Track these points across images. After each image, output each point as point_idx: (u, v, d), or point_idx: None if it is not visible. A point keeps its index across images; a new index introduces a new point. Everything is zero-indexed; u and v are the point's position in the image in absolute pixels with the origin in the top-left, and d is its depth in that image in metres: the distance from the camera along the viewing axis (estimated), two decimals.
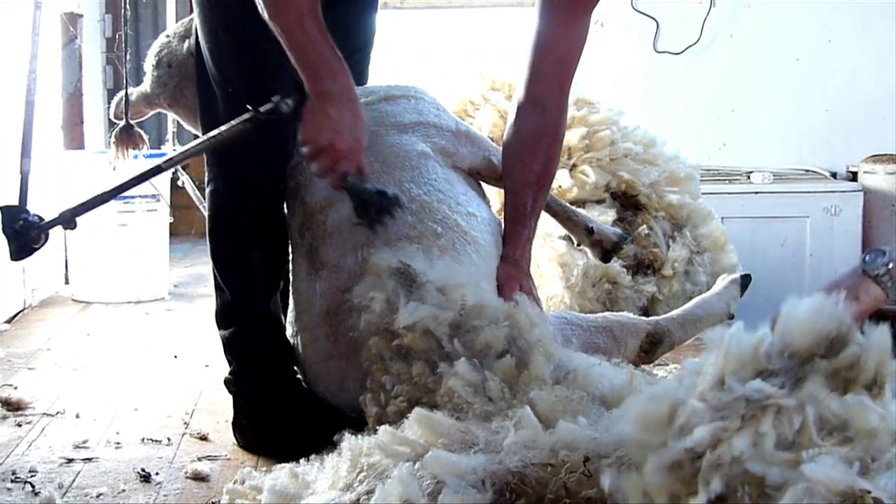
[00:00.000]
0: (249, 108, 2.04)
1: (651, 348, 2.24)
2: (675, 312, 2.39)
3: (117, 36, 2.66)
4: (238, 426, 2.31)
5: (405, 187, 2.10)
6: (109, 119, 5.44)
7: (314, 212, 2.16)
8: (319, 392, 2.12)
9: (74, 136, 4.92)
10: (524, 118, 2.20)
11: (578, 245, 2.55)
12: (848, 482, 1.01)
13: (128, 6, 2.37)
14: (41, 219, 2.15)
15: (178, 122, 4.32)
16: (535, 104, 2.19)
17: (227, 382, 2.35)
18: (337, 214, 2.11)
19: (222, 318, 2.33)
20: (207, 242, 2.35)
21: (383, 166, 2.13)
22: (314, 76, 1.96)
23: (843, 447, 1.08)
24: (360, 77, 2.46)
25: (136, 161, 2.82)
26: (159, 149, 4.37)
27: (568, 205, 2.54)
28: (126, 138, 2.70)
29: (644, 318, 2.37)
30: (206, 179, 2.34)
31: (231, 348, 2.32)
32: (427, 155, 2.15)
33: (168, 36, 2.81)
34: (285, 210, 2.28)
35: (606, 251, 2.51)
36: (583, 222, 2.51)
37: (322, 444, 1.90)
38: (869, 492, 1.00)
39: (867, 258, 1.91)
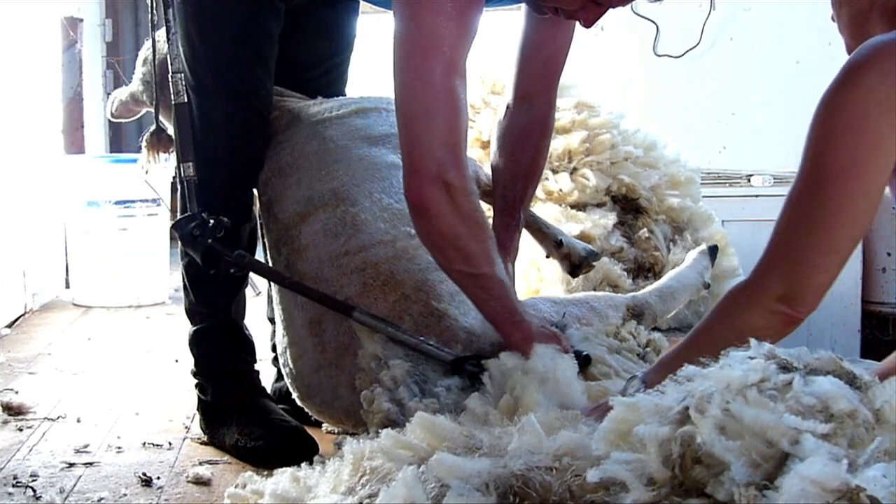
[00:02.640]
0: (470, 365, 1.87)
1: (634, 321, 2.26)
2: (651, 286, 2.43)
3: (144, 41, 2.65)
4: (198, 409, 2.46)
5: (376, 197, 2.12)
6: (110, 122, 5.50)
7: (288, 227, 2.18)
8: (315, 405, 2.12)
9: (75, 140, 4.93)
10: (513, 115, 2.23)
11: (548, 256, 2.53)
12: (842, 479, 1.01)
13: (154, 10, 2.36)
14: (220, 227, 2.14)
15: None
16: (524, 101, 2.22)
17: (191, 373, 2.47)
18: (310, 228, 2.13)
19: (188, 316, 2.44)
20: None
21: (353, 178, 2.14)
22: (510, 325, 1.87)
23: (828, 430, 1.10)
24: (342, 79, 2.54)
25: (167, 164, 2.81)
26: None
27: (540, 217, 2.51)
28: (156, 142, 2.69)
29: (621, 295, 2.40)
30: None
31: (192, 345, 2.44)
32: (397, 166, 2.15)
33: (157, 37, 2.84)
34: (259, 221, 2.32)
35: (574, 265, 2.48)
36: (552, 235, 2.48)
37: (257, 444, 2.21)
38: (864, 489, 1.00)
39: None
